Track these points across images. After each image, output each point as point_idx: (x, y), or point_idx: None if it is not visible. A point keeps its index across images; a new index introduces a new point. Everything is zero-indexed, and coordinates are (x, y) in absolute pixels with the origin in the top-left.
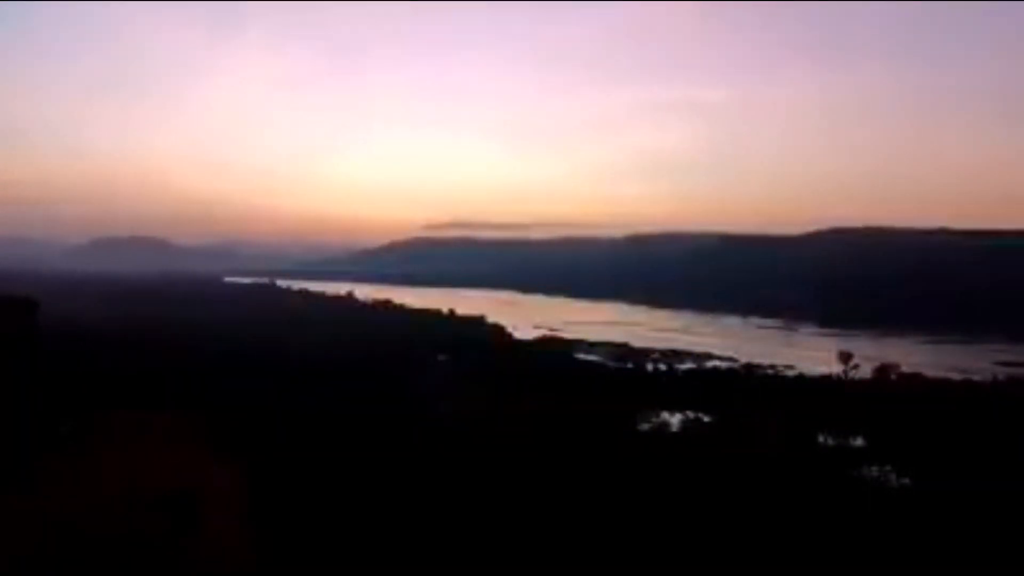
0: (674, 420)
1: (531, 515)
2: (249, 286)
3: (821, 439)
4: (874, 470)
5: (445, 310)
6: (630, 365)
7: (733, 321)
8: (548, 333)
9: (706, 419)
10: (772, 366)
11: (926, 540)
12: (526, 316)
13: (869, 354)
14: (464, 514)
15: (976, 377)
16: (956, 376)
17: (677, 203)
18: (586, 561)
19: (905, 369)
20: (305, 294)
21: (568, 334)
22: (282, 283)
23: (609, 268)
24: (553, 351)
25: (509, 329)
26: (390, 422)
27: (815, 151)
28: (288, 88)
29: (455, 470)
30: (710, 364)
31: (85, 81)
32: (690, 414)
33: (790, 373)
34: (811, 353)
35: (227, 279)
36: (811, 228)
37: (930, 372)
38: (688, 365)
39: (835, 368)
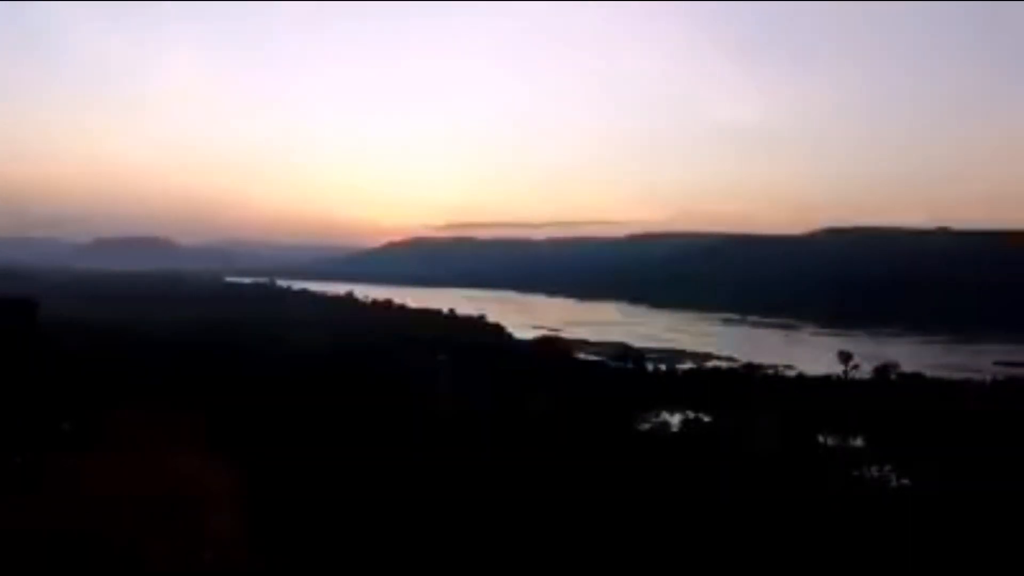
0: (674, 420)
1: (530, 516)
2: (249, 286)
3: (821, 439)
4: (874, 470)
5: (445, 310)
6: (630, 365)
7: (733, 320)
8: (548, 333)
9: (706, 419)
10: (772, 366)
11: (926, 540)
12: (526, 316)
13: (869, 354)
14: (463, 514)
15: (976, 377)
16: (956, 376)
17: (677, 203)
18: (587, 564)
19: (905, 369)
20: (305, 294)
21: (568, 334)
22: (282, 283)
23: (609, 268)
24: (553, 351)
25: (509, 329)
26: (391, 421)
27: (815, 151)
28: (288, 88)
29: (455, 470)
30: (710, 364)
31: (82, 81)
32: (690, 414)
33: (790, 373)
34: (811, 353)
35: (228, 279)
36: (811, 228)
37: (930, 372)
38: (688, 365)
39: (835, 368)
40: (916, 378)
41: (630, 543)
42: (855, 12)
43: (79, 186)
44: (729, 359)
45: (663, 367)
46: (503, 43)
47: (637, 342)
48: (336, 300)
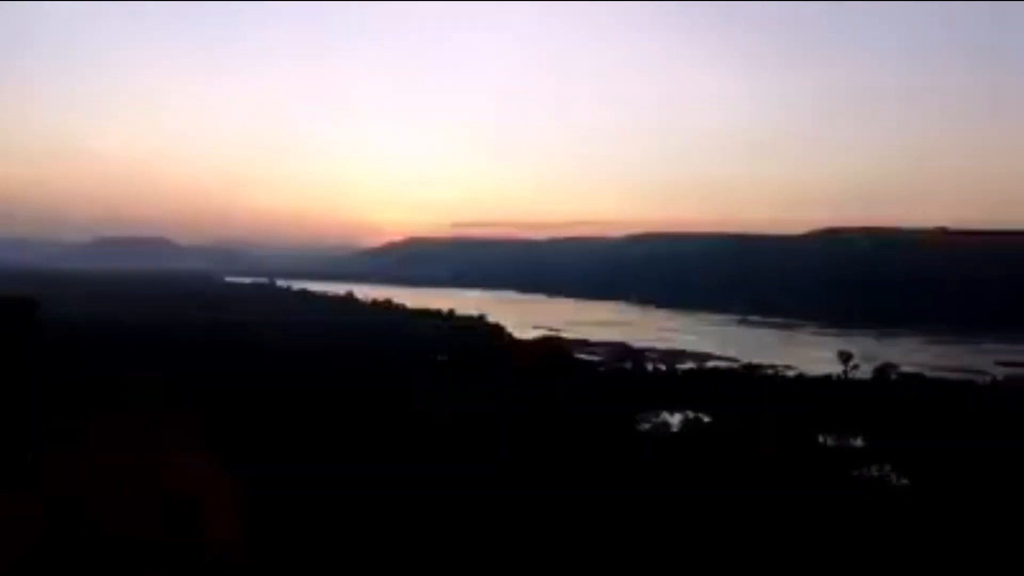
0: (674, 420)
1: (529, 515)
2: (249, 286)
3: (821, 439)
4: (874, 470)
5: (445, 310)
6: (630, 365)
7: (733, 321)
8: (548, 333)
9: (706, 419)
10: (772, 366)
11: (926, 540)
12: (526, 316)
13: (869, 354)
14: (462, 514)
15: (976, 377)
16: (956, 376)
17: (677, 203)
18: (586, 562)
19: (905, 369)
20: (305, 294)
21: (568, 334)
22: (282, 283)
23: (609, 268)
24: (553, 351)
25: (509, 329)
26: (390, 421)
27: (815, 151)
28: (287, 88)
29: (454, 469)
30: (710, 364)
31: (83, 80)
32: (690, 414)
33: (790, 373)
34: (811, 353)
35: (228, 279)
36: (811, 228)
37: (930, 372)
38: (688, 365)
39: (835, 368)
40: (916, 378)
41: (630, 542)
42: (853, 11)
43: (79, 186)
44: (729, 359)
45: (663, 367)
46: (503, 44)
47: (637, 342)
48: (336, 300)
